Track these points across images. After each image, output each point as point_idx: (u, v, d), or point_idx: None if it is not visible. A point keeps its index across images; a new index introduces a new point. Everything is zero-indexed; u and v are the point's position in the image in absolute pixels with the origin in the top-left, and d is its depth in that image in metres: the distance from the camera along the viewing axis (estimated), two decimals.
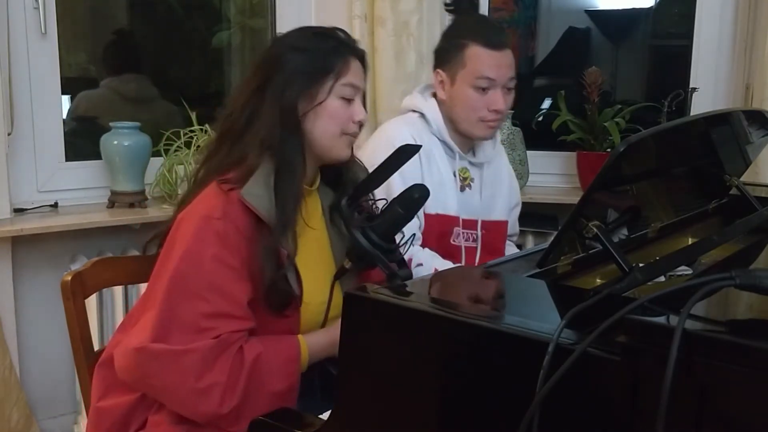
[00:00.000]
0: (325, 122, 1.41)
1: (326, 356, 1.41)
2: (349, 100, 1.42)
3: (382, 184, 1.52)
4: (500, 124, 1.97)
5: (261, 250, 1.32)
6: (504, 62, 1.88)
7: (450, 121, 1.94)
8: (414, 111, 1.99)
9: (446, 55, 1.92)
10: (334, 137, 1.43)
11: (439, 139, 1.94)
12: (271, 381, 1.32)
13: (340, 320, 1.43)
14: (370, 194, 1.54)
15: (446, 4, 2.02)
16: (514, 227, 2.16)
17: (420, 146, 1.53)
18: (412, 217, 1.47)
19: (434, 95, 1.99)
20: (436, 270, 1.83)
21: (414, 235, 1.63)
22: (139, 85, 2.90)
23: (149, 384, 1.31)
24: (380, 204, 1.53)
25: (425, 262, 1.85)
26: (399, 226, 1.46)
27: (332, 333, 1.41)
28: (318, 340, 1.41)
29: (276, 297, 1.35)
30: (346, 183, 1.51)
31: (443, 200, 1.93)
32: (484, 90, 1.87)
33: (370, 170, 1.92)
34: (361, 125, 1.45)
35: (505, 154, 2.19)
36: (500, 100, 1.88)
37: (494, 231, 2.03)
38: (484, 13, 2.87)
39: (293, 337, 1.38)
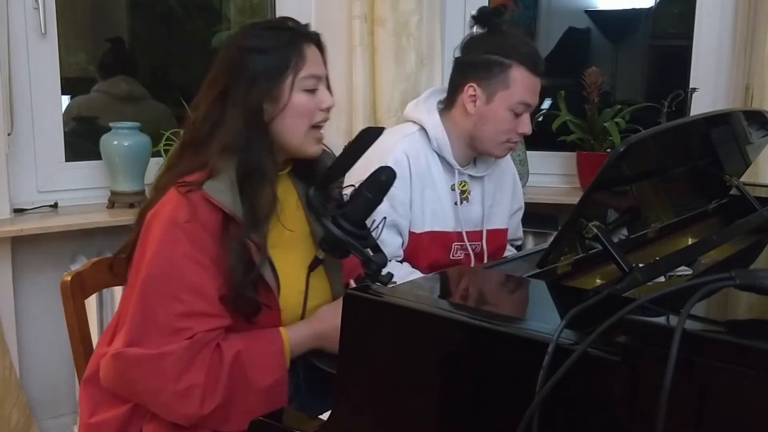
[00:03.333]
0: (293, 120, 1.39)
1: (308, 348, 1.41)
2: (313, 91, 1.40)
3: (348, 171, 1.48)
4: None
5: (230, 248, 1.31)
6: (539, 89, 1.87)
7: (469, 136, 1.89)
8: (415, 123, 1.94)
9: (486, 71, 1.84)
10: (302, 134, 1.41)
11: (438, 154, 1.91)
12: (257, 377, 1.31)
13: (320, 311, 1.42)
14: (338, 181, 1.50)
15: (475, 16, 1.96)
16: (516, 232, 2.14)
17: (383, 129, 1.47)
18: (381, 201, 1.45)
19: (440, 103, 1.94)
20: None
21: (385, 218, 1.60)
22: (129, 85, 2.90)
23: (132, 390, 1.31)
24: (349, 191, 1.50)
25: (400, 280, 1.82)
26: (369, 211, 1.44)
27: (314, 324, 1.41)
28: (300, 332, 1.39)
29: (243, 305, 1.33)
30: (318, 174, 1.49)
31: (440, 218, 1.90)
32: (518, 114, 1.85)
33: (360, 178, 1.90)
34: (328, 111, 1.43)
35: (511, 160, 2.14)
36: (529, 125, 1.87)
37: (494, 239, 2.01)
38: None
39: (275, 331, 1.37)
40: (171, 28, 3.17)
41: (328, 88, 1.45)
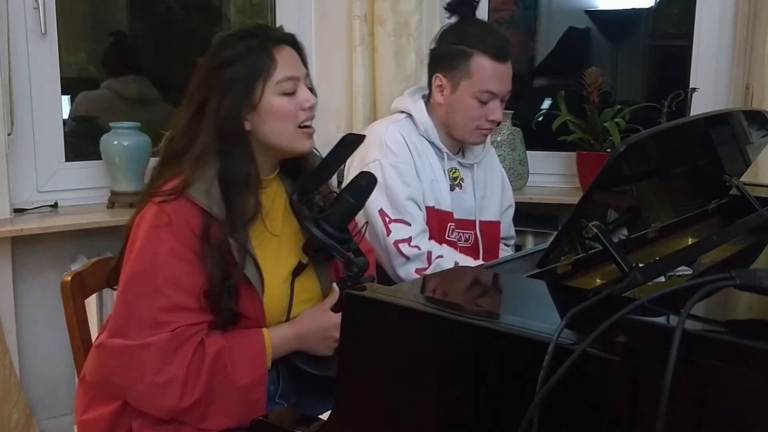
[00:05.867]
0: (274, 123, 1.40)
1: (290, 350, 1.43)
2: (291, 93, 1.40)
3: (331, 177, 1.51)
4: (492, 131, 2.01)
5: (209, 252, 1.33)
6: (507, 76, 1.89)
7: (444, 125, 1.94)
8: (402, 112, 1.99)
9: (449, 61, 1.89)
10: (288, 134, 1.41)
11: (427, 140, 1.95)
12: (237, 375, 1.32)
13: (302, 314, 1.44)
14: (328, 186, 1.54)
15: (447, 6, 2.00)
16: (509, 230, 2.16)
17: (364, 136, 1.51)
18: (363, 205, 1.49)
19: (423, 98, 1.99)
20: (456, 264, 1.84)
21: (366, 223, 1.65)
22: (139, 86, 2.90)
23: (112, 382, 1.33)
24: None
25: (446, 255, 1.87)
26: (351, 215, 1.47)
27: (294, 326, 1.43)
28: (282, 333, 1.41)
29: (219, 312, 1.35)
30: (305, 174, 1.50)
31: (437, 195, 1.94)
32: (484, 101, 1.87)
33: (360, 169, 1.92)
34: (311, 110, 1.43)
35: (496, 155, 2.19)
36: (499, 111, 1.89)
37: (488, 232, 2.04)
38: (484, 18, 2.86)
39: (257, 331, 1.39)
40: (171, 28, 3.16)
41: (312, 86, 1.45)
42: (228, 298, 1.34)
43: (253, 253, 1.38)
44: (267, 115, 1.39)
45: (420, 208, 1.90)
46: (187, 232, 1.33)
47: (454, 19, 1.98)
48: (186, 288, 1.32)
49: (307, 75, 1.45)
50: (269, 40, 1.40)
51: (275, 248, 1.45)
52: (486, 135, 1.96)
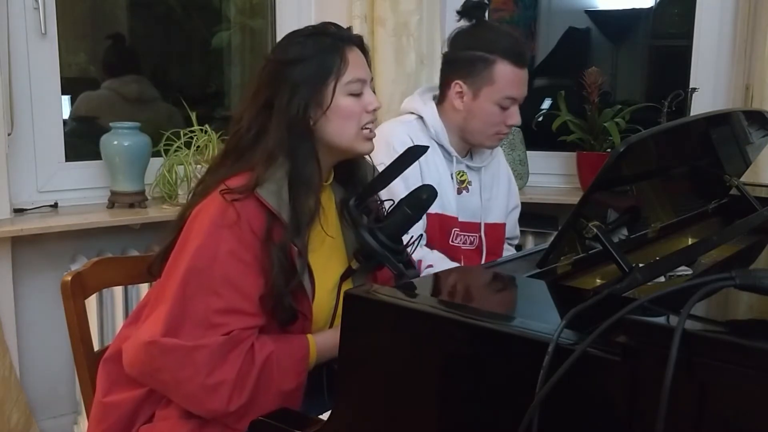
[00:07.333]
0: (340, 123, 1.40)
1: (332, 356, 1.41)
2: (358, 94, 1.41)
3: (388, 185, 1.51)
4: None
5: (272, 254, 1.32)
6: (525, 80, 1.89)
7: (460, 130, 1.93)
8: (412, 113, 1.98)
9: (470, 67, 1.88)
10: (352, 135, 1.42)
11: (436, 142, 1.94)
12: (281, 380, 1.32)
13: None
14: (377, 195, 1.54)
15: (459, 10, 1.98)
16: (513, 230, 2.15)
17: (428, 147, 1.51)
18: (420, 218, 1.48)
19: (434, 99, 1.98)
20: None
21: (421, 235, 1.64)
22: (140, 86, 2.90)
23: (158, 379, 1.31)
24: (387, 205, 1.53)
25: (435, 263, 1.85)
26: (407, 226, 1.45)
27: (337, 333, 1.41)
28: (326, 339, 1.41)
29: (280, 313, 1.34)
30: (357, 181, 1.51)
31: (442, 200, 1.93)
32: (505, 107, 1.88)
33: None
34: (374, 113, 1.45)
35: (503, 156, 2.18)
36: (517, 116, 1.90)
37: (492, 234, 2.03)
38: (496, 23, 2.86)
39: (303, 337, 1.39)
40: (171, 28, 3.17)
41: (374, 90, 1.47)
42: (290, 297, 1.34)
43: (309, 264, 1.38)
44: (333, 114, 1.39)
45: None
46: (249, 234, 1.32)
47: (464, 22, 1.95)
48: (242, 290, 1.31)
49: (372, 79, 1.46)
50: (340, 39, 1.41)
51: (325, 256, 1.45)
52: (501, 138, 1.96)
